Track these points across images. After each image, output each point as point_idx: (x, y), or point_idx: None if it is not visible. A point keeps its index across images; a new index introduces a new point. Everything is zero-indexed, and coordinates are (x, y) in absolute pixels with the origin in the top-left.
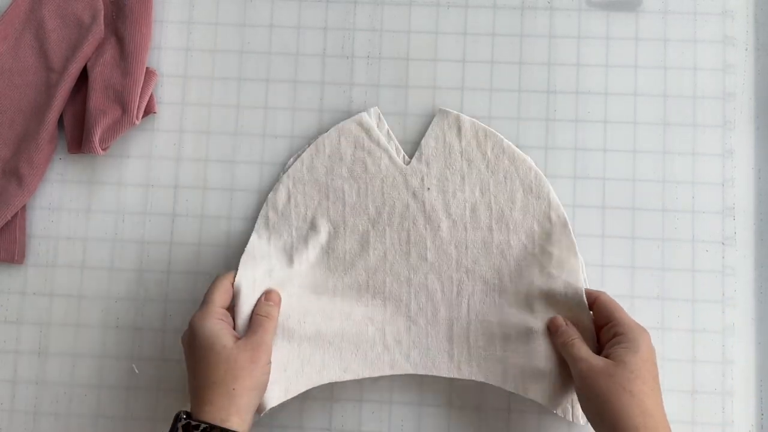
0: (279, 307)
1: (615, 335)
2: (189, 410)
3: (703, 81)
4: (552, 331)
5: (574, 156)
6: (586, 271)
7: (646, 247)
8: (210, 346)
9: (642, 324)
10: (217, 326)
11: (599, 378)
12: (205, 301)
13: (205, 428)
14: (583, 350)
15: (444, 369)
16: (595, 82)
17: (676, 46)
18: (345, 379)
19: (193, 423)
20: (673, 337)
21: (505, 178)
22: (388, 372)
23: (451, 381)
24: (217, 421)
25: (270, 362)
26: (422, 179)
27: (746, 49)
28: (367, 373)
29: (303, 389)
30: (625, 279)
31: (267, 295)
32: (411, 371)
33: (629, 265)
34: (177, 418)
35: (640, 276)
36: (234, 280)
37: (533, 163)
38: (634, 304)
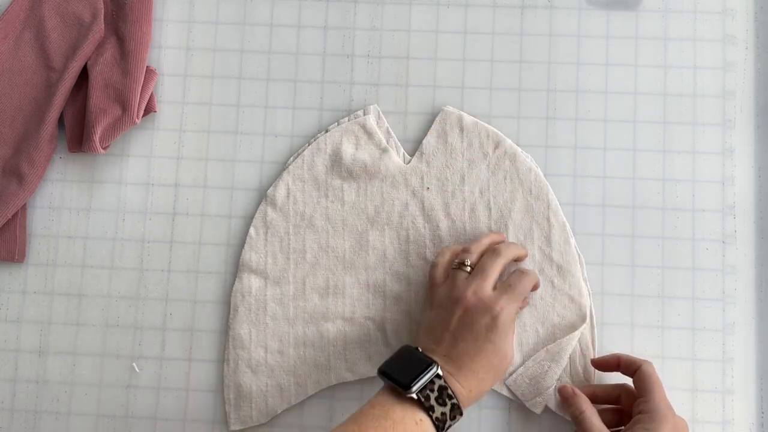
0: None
1: (640, 412)
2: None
3: (703, 79)
4: (562, 399)
5: (574, 154)
6: (587, 269)
7: (647, 245)
8: (505, 335)
9: (644, 322)
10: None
11: None
12: (513, 289)
13: (454, 404)
14: (595, 426)
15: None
16: (595, 80)
17: (676, 44)
18: (350, 380)
19: (450, 392)
20: (674, 336)
21: (505, 179)
22: None
23: None
24: (470, 402)
25: None
26: (422, 178)
27: (746, 48)
28: (371, 372)
29: (312, 392)
30: (625, 277)
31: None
32: None
33: (629, 263)
34: (434, 372)
35: (640, 274)
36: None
37: (535, 164)
38: (634, 303)
